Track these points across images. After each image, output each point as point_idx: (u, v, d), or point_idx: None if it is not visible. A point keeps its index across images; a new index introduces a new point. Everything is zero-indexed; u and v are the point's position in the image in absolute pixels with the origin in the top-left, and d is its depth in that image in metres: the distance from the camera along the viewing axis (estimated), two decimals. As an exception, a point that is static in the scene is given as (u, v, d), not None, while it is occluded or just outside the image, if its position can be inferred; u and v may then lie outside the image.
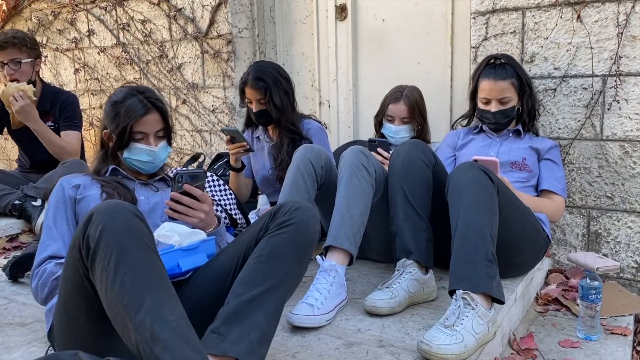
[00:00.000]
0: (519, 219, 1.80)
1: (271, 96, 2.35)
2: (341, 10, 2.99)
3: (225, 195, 1.95)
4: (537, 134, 2.29)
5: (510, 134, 2.23)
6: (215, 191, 1.94)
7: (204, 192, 1.50)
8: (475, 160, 1.85)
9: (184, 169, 1.60)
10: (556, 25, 2.26)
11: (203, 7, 3.18)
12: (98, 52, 3.68)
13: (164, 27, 3.36)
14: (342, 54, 3.04)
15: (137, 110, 1.59)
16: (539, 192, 2.13)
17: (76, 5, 3.69)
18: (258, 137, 2.57)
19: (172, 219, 1.49)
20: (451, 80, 2.75)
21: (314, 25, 3.11)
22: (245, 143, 2.31)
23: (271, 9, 3.23)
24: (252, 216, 2.26)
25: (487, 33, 2.41)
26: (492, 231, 1.59)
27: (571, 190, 2.33)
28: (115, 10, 3.54)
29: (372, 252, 2.15)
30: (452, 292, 1.51)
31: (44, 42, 3.91)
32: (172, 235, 1.34)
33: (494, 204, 1.63)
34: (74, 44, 3.79)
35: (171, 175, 1.73)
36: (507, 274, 1.91)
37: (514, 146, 2.17)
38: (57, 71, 3.94)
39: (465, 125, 2.37)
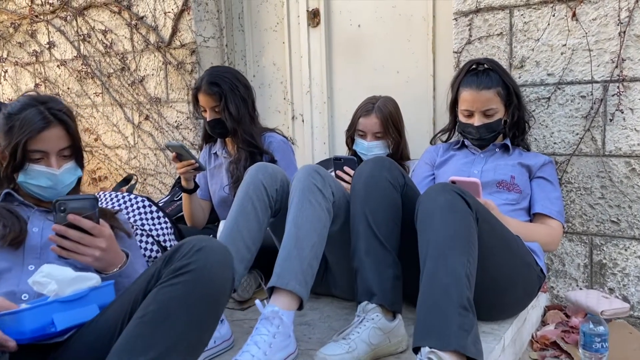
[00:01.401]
0: (505, 251, 1.50)
1: (226, 103, 2.07)
2: (313, 16, 2.72)
3: (159, 223, 1.66)
4: (528, 149, 1.99)
5: (497, 150, 1.93)
6: (146, 219, 1.65)
7: (97, 224, 1.20)
8: (453, 182, 1.55)
9: (68, 196, 1.30)
10: (548, 24, 1.98)
11: (165, 14, 2.91)
12: (58, 66, 3.41)
13: (125, 38, 3.10)
14: (315, 63, 2.76)
15: (34, 124, 1.31)
16: (532, 216, 1.82)
17: (36, 16, 3.44)
18: (216, 153, 2.28)
19: (62, 257, 1.19)
20: (433, 90, 2.46)
21: (285, 33, 2.84)
22: (193, 161, 2.02)
23: (240, 16, 2.96)
24: None
25: (470, 36, 2.13)
26: (469, 269, 1.29)
27: (570, 214, 2.02)
28: (76, 21, 3.28)
29: (338, 289, 1.84)
30: (416, 350, 1.20)
31: (4, 55, 3.66)
32: (47, 282, 1.04)
33: (471, 235, 1.33)
34: (34, 57, 3.53)
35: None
36: (493, 317, 1.61)
37: (501, 163, 1.87)
38: (18, 86, 3.68)
39: (446, 140, 2.07)
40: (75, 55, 3.32)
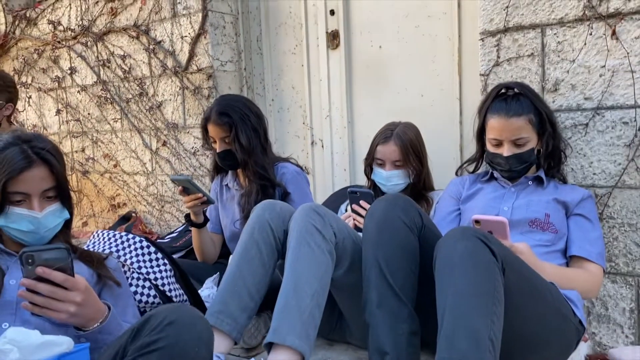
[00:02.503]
0: (537, 304, 1.32)
1: (237, 134, 1.96)
2: (333, 38, 2.60)
3: (157, 265, 1.55)
4: (564, 182, 1.80)
5: (530, 182, 1.75)
6: (143, 260, 1.54)
7: (71, 276, 1.08)
8: (477, 222, 1.39)
9: (37, 246, 1.19)
10: (585, 44, 1.80)
11: (182, 38, 2.85)
12: (79, 91, 3.40)
13: (143, 62, 3.05)
14: (335, 86, 2.64)
15: (14, 164, 1.22)
16: (568, 258, 1.63)
17: (58, 42, 3.44)
18: (227, 185, 2.17)
19: (35, 314, 1.08)
20: (460, 115, 2.30)
21: (304, 56, 2.73)
22: (200, 194, 1.91)
23: (258, 39, 2.87)
24: None
25: (498, 57, 1.96)
26: (493, 331, 1.12)
27: (613, 253, 1.82)
28: (96, 46, 3.26)
29: (352, 337, 1.69)
30: None
31: (29, 81, 3.68)
32: (9, 350, 0.92)
33: (496, 290, 1.16)
34: (56, 83, 3.52)
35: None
36: (525, 376, 1.42)
37: (535, 199, 1.69)
38: (42, 112, 3.69)
39: (473, 171, 1.90)
40: (95, 80, 3.30)
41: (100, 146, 3.38)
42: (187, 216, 2.07)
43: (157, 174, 3.10)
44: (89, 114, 3.40)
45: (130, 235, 1.64)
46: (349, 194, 1.86)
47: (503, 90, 1.75)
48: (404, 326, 1.30)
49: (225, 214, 2.16)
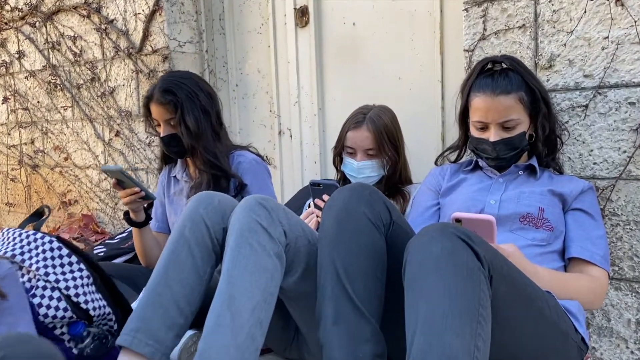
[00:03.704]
0: (532, 319, 1.06)
1: (183, 115, 1.68)
2: (302, 15, 2.33)
3: (71, 272, 1.26)
4: (560, 172, 1.55)
5: (521, 172, 1.49)
6: (52, 265, 1.25)
7: None
8: (457, 221, 1.13)
9: None
10: (585, 12, 1.55)
11: (136, 16, 2.56)
12: (27, 77, 3.09)
13: (95, 44, 2.76)
14: (304, 69, 2.37)
15: None
16: (567, 261, 1.38)
17: (5, 24, 3.13)
18: (175, 176, 1.89)
19: None
20: (442, 99, 2.04)
21: (270, 35, 2.45)
22: (137, 189, 1.63)
23: (221, 17, 2.59)
24: None
25: (485, 30, 1.71)
26: (477, 353, 0.86)
27: (616, 256, 1.57)
28: (46, 27, 2.96)
29: (312, 356, 1.42)
30: None
31: (-25, 67, 3.36)
32: None
33: (481, 305, 0.90)
34: (4, 69, 3.22)
35: None
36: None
37: (526, 190, 1.43)
38: (-11, 101, 3.38)
39: (455, 160, 1.64)
40: (45, 65, 2.99)
41: (50, 137, 3.08)
42: (126, 214, 1.79)
43: (110, 168, 2.80)
44: (38, 102, 3.09)
45: (39, 235, 1.35)
46: (311, 187, 1.59)
47: (489, 65, 1.49)
48: (365, 348, 1.03)
49: (173, 210, 1.89)
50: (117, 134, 2.73)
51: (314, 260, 1.21)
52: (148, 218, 1.78)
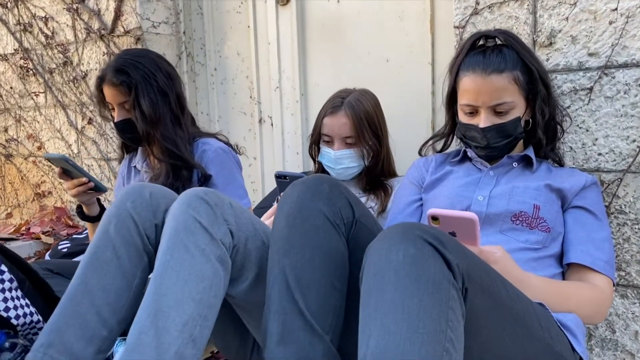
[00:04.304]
0: (519, 340, 0.88)
1: (137, 98, 1.51)
2: (283, -9, 2.15)
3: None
4: (560, 164, 1.37)
5: (515, 164, 1.31)
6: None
7: None
8: (434, 218, 0.95)
9: None
10: (590, -19, 1.35)
11: (107, -6, 2.39)
12: (-2, 61, 2.93)
13: (67, 25, 2.58)
14: (285, 51, 2.18)
15: None
16: (565, 267, 1.20)
17: (-23, 5, 2.96)
18: (135, 166, 1.72)
19: None
20: (432, 84, 1.85)
21: (249, 14, 2.27)
22: (85, 179, 1.46)
23: (198, -4, 2.41)
24: None
25: (477, 3, 1.52)
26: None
27: (623, 259, 1.38)
28: (17, 7, 2.79)
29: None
30: None
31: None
32: None
33: (449, 325, 0.72)
34: (-24, 53, 3.05)
35: None
36: None
37: (520, 185, 1.25)
38: (-37, 87, 3.22)
39: (442, 150, 1.46)
40: (17, 48, 2.83)
41: (24, 125, 2.92)
42: (79, 207, 1.62)
43: (82, 157, 2.64)
44: (11, 87, 2.93)
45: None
46: (276, 179, 1.41)
47: (481, 41, 1.31)
48: (317, 373, 0.86)
49: (133, 203, 1.71)
50: (90, 121, 2.56)
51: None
52: (103, 213, 1.61)
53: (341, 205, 0.96)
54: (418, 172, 1.42)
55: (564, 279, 1.19)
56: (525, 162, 1.31)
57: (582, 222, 1.20)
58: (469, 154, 1.36)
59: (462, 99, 1.28)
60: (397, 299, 0.72)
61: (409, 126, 1.87)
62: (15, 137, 2.96)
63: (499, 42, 1.29)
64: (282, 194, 1.40)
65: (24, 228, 2.66)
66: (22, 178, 2.98)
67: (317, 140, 1.63)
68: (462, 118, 1.30)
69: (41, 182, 2.89)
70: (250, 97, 2.33)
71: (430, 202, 1.32)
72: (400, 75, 1.92)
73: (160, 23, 2.37)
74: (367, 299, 0.76)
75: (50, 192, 2.85)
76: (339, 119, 1.55)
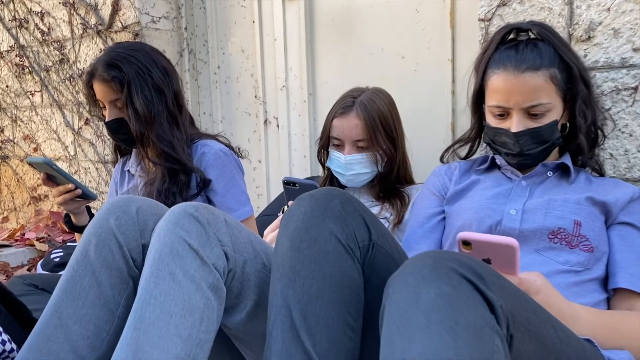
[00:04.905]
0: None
1: (130, 95, 1.37)
2: (290, -17, 2.00)
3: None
4: (600, 173, 1.21)
5: (550, 173, 1.15)
6: None
7: None
8: (465, 243, 0.80)
9: None
10: (636, -34, 1.20)
11: (105, -13, 2.25)
12: (-7, 59, 2.81)
13: (63, 21, 2.46)
14: (293, 47, 2.04)
15: None
16: (611, 292, 1.04)
17: (-28, 0, 2.84)
18: (129, 170, 1.59)
19: None
20: (452, 83, 1.70)
21: (255, 9, 2.13)
22: (72, 186, 1.33)
23: (201, -10, 2.28)
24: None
25: (505, -7, 1.37)
26: None
27: (672, 281, 1.22)
28: (13, 3, 2.66)
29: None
30: None
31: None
32: None
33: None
34: (-28, 50, 2.94)
35: None
36: None
37: (558, 198, 1.09)
38: (-41, 85, 3.10)
39: (466, 156, 1.30)
40: (12, 45, 2.70)
41: (20, 126, 2.79)
42: (67, 217, 1.49)
43: (79, 160, 2.52)
44: (7, 86, 2.81)
45: None
46: (284, 186, 1.26)
47: (512, 35, 1.16)
48: None
49: (126, 212, 1.57)
50: (87, 121, 2.43)
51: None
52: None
53: (356, 225, 0.81)
54: (440, 181, 1.27)
55: (609, 306, 1.04)
56: (562, 171, 1.16)
57: (630, 241, 1.05)
58: (497, 161, 1.21)
59: (491, 100, 1.13)
60: (429, 352, 0.58)
61: (427, 129, 1.72)
62: (11, 138, 2.84)
63: (533, 35, 1.14)
64: (288, 203, 1.26)
65: (18, 233, 2.54)
66: (18, 181, 2.86)
67: (326, 144, 1.48)
68: (491, 121, 1.15)
69: (37, 185, 2.76)
70: (255, 96, 2.19)
71: (455, 216, 1.17)
72: (417, 74, 1.77)
73: (160, 18, 2.24)
74: (390, 350, 0.62)
75: (46, 196, 2.72)
76: (349, 120, 1.40)
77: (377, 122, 1.39)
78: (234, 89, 2.25)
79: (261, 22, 2.12)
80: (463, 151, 1.30)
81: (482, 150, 1.31)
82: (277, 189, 2.11)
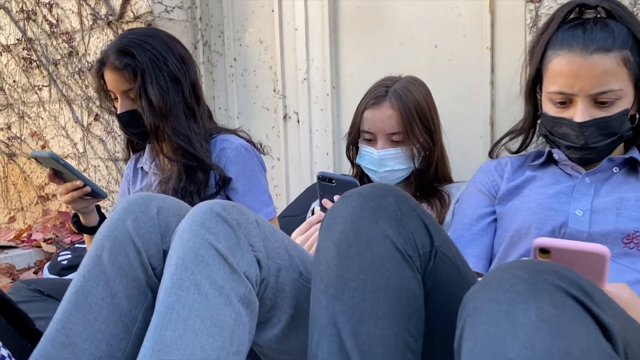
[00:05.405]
0: None
1: (144, 85, 1.25)
2: (312, -31, 1.88)
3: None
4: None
5: (616, 169, 1.02)
6: None
7: None
8: (543, 251, 0.67)
9: None
10: None
11: (115, -24, 2.14)
12: (0, 52, 2.71)
13: (72, 12, 2.35)
14: (315, 37, 1.91)
15: None
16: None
17: (-21, -9, 2.74)
18: (142, 167, 1.47)
19: None
20: (491, 72, 1.56)
21: (274, -3, 2.01)
22: (80, 182, 1.21)
23: (217, -22, 2.16)
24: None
25: (559, -31, 1.23)
26: None
27: None
28: (21, -6, 2.56)
29: None
30: None
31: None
32: None
33: None
34: (-22, 44, 2.84)
35: None
36: None
37: (631, 196, 0.96)
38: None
39: (518, 150, 1.17)
40: (20, 38, 2.60)
41: (27, 122, 2.69)
42: (75, 217, 1.37)
43: (89, 157, 2.40)
44: (14, 81, 2.70)
45: None
46: (319, 182, 1.12)
47: (576, 11, 1.02)
48: None
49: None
50: (97, 117, 2.32)
51: (308, 302, 0.77)
52: (103, 220, 1.36)
53: (414, 227, 0.68)
54: (489, 178, 1.13)
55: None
56: (629, 166, 1.02)
57: None
58: (555, 155, 1.07)
59: (552, 85, 1.00)
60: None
61: (463, 123, 1.59)
62: (18, 134, 2.74)
63: (601, 14, 1.00)
64: (322, 201, 1.13)
65: (25, 234, 2.43)
66: (25, 179, 2.76)
67: (355, 139, 1.35)
68: (550, 110, 1.02)
69: (45, 184, 2.66)
70: (274, 90, 2.06)
71: (509, 217, 1.04)
72: (452, 63, 1.64)
73: (174, 7, 2.12)
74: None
75: (54, 195, 2.62)
76: (383, 111, 1.27)
77: (414, 112, 1.26)
78: (251, 83, 2.13)
79: (281, 10, 1.99)
80: (514, 144, 1.16)
81: (534, 144, 1.18)
82: (297, 189, 1.98)
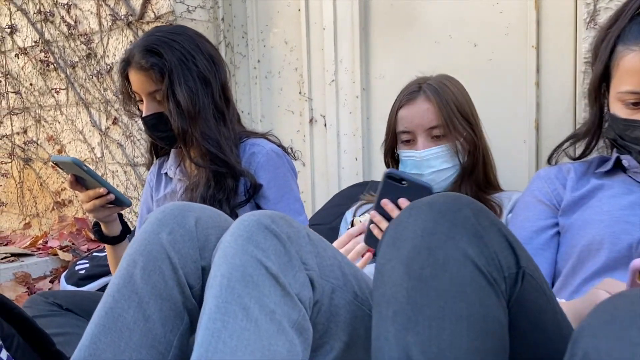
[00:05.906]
0: None
1: (172, 86, 1.17)
2: (342, -35, 1.79)
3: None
4: None
5: (694, 178, 0.92)
6: None
7: None
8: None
9: None
10: None
11: (136, -25, 2.07)
12: (17, 55, 2.65)
13: (91, 13, 2.28)
14: (344, 37, 1.83)
15: None
16: None
17: (-4, -7, 2.70)
18: (166, 173, 1.39)
19: None
20: (537, 73, 1.46)
21: (301, -4, 1.92)
22: (103, 190, 1.13)
23: (240, -24, 2.08)
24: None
25: (621, -41, 1.13)
26: None
27: None
28: (38, -5, 2.51)
29: None
30: None
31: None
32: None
33: None
34: (-5, 46, 2.79)
35: None
36: None
37: None
38: (-19, 85, 2.96)
39: (581, 156, 1.07)
40: (37, 40, 2.54)
41: (44, 126, 2.63)
42: (96, 225, 1.29)
43: (107, 162, 2.33)
44: (31, 84, 2.65)
45: None
46: (386, 180, 0.98)
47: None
48: None
49: (163, 220, 1.37)
50: (115, 121, 2.25)
51: (365, 328, 0.68)
52: (126, 231, 1.28)
53: (498, 245, 0.59)
54: (550, 187, 1.03)
55: None
56: None
57: None
58: (624, 162, 0.97)
59: (624, 84, 0.90)
60: None
61: (506, 128, 1.49)
62: (35, 139, 2.68)
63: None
64: (382, 201, 0.99)
65: (41, 241, 2.36)
66: (41, 185, 2.69)
67: (392, 144, 1.26)
68: (620, 112, 0.92)
69: (61, 190, 2.59)
70: (300, 92, 1.98)
71: (576, 231, 0.94)
72: (493, 63, 1.54)
73: (196, 7, 2.04)
74: None
75: (70, 201, 2.55)
76: (418, 105, 1.19)
77: (451, 104, 1.17)
78: (276, 85, 2.05)
79: (308, 9, 1.91)
80: (576, 149, 1.06)
81: (597, 150, 1.08)
82: (324, 196, 1.89)
